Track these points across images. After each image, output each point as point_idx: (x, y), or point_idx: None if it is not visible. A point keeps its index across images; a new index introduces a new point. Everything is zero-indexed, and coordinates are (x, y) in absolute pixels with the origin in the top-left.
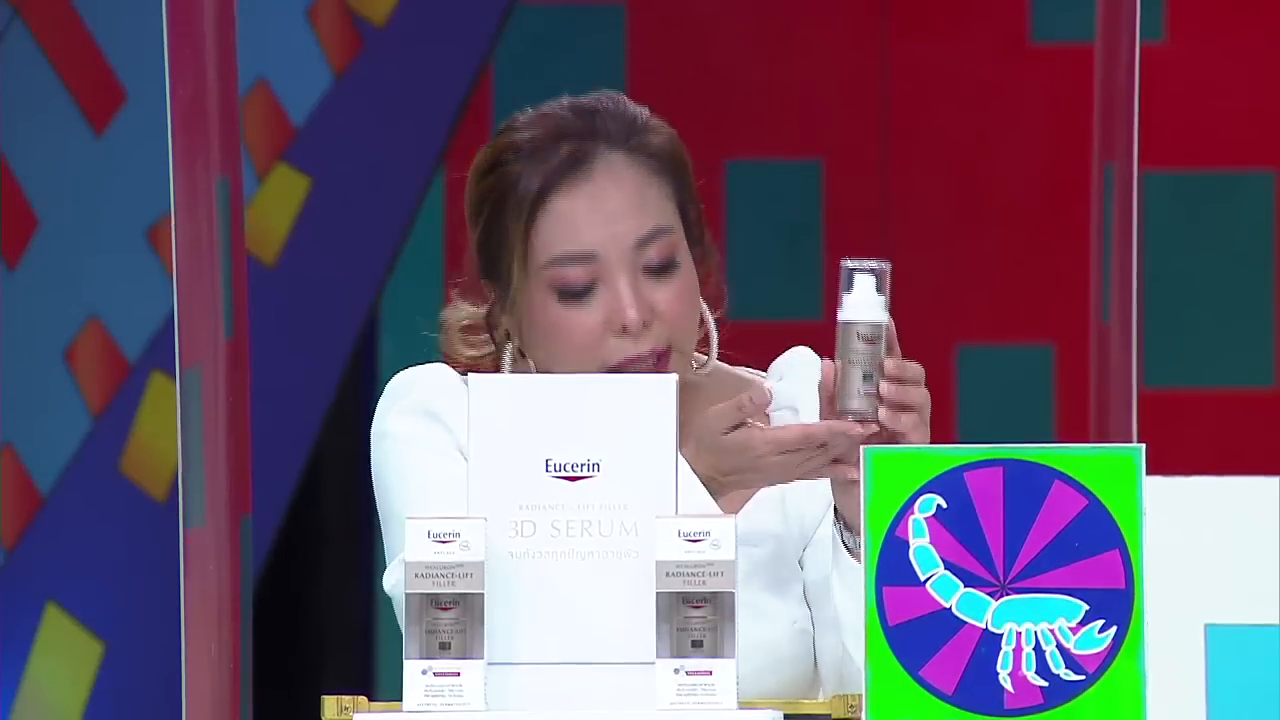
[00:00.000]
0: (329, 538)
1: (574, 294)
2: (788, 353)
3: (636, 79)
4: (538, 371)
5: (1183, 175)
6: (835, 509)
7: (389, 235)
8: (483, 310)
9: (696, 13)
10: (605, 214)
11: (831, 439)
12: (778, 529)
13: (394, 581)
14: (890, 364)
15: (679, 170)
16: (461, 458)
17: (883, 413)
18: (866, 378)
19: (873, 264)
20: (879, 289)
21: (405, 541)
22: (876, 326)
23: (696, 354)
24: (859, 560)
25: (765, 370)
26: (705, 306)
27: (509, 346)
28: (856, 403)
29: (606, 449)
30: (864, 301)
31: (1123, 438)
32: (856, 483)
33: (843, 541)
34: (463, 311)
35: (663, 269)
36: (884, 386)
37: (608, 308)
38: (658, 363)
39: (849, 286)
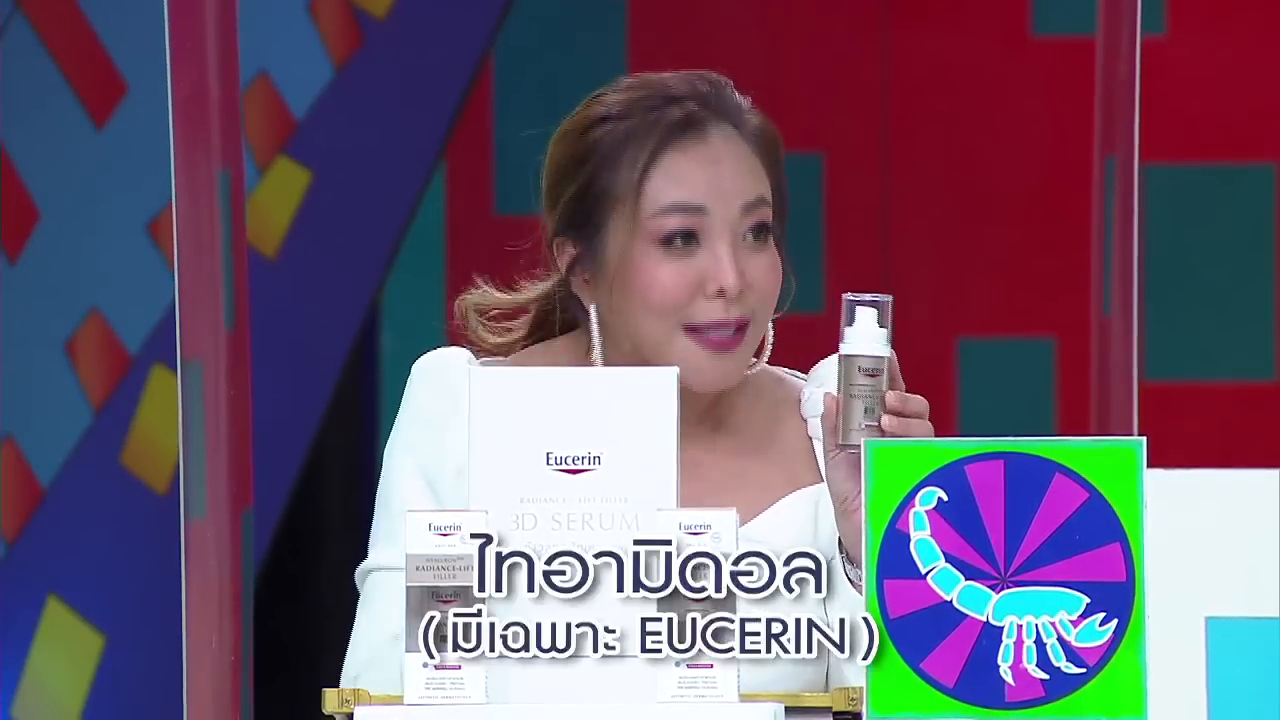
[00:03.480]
0: (330, 530)
1: (677, 244)
2: (828, 359)
3: (637, 71)
4: (602, 342)
5: (1184, 168)
6: (840, 542)
7: (390, 228)
8: (522, 295)
9: (697, 5)
10: (718, 172)
11: None
12: (806, 535)
13: (365, 572)
14: (892, 397)
15: (775, 158)
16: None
17: None
18: (868, 411)
19: (874, 297)
20: (880, 322)
21: (396, 539)
22: (878, 360)
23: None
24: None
25: (806, 373)
26: (769, 332)
27: (592, 316)
28: (857, 436)
29: (607, 442)
30: (866, 334)
31: (1124, 430)
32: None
33: (845, 574)
34: (491, 298)
35: (760, 239)
36: (886, 420)
37: (706, 268)
38: (736, 334)
39: (850, 320)
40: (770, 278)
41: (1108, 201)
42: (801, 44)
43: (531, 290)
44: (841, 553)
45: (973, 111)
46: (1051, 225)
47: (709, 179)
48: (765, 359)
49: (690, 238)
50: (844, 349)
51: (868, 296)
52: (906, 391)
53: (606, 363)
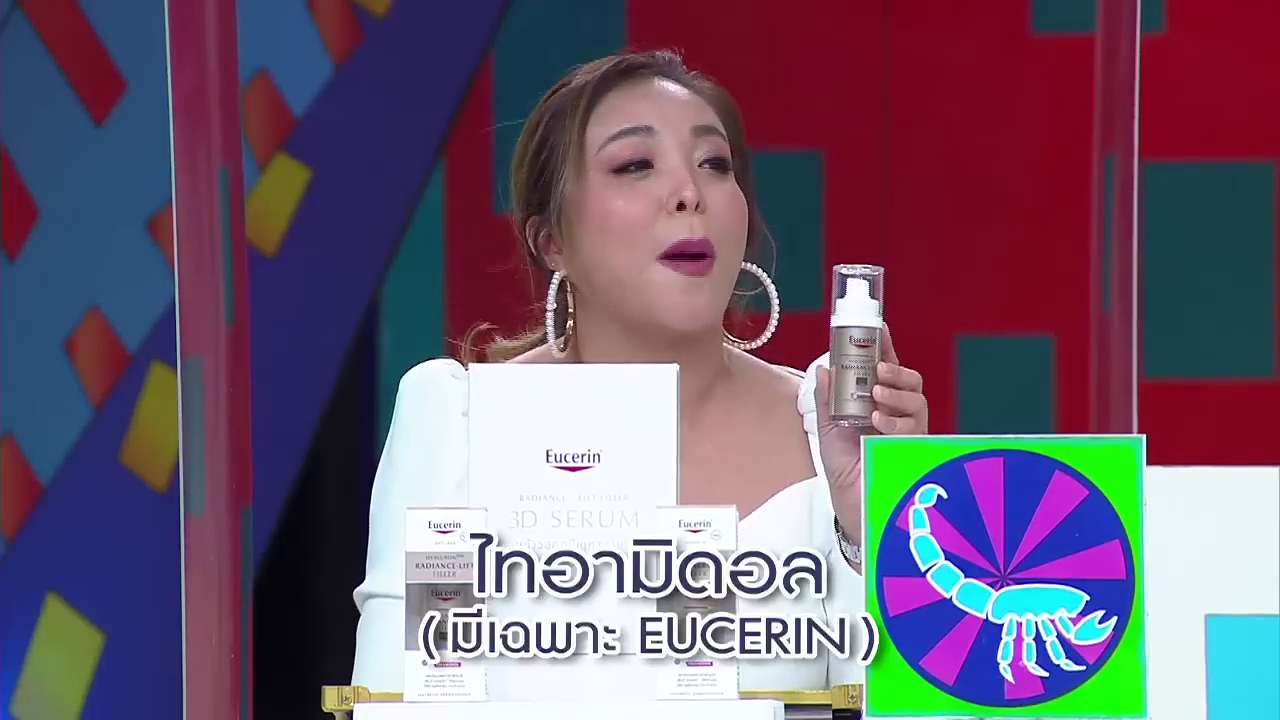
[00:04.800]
0: (329, 527)
1: (629, 169)
2: (826, 355)
3: None
4: (583, 291)
5: (1183, 165)
6: (835, 520)
7: (389, 225)
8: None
9: (697, 3)
10: (661, 103)
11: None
12: (803, 528)
13: (363, 596)
14: (884, 369)
15: (732, 119)
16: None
17: (877, 417)
18: (860, 382)
19: (865, 269)
20: (872, 294)
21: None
22: (870, 330)
23: (739, 342)
24: (859, 572)
25: (804, 370)
26: (770, 284)
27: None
28: (851, 407)
29: (607, 439)
30: (857, 306)
31: (1123, 428)
32: (856, 490)
33: (841, 551)
34: (503, 346)
35: (716, 169)
36: (878, 391)
37: (664, 185)
38: (704, 264)
39: (842, 291)
40: (732, 206)
41: (1107, 199)
42: (801, 41)
43: (537, 331)
44: (838, 530)
45: (973, 109)
46: (1051, 222)
47: (653, 105)
48: (767, 335)
49: (643, 165)
50: (835, 320)
51: (859, 268)
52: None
53: (585, 337)
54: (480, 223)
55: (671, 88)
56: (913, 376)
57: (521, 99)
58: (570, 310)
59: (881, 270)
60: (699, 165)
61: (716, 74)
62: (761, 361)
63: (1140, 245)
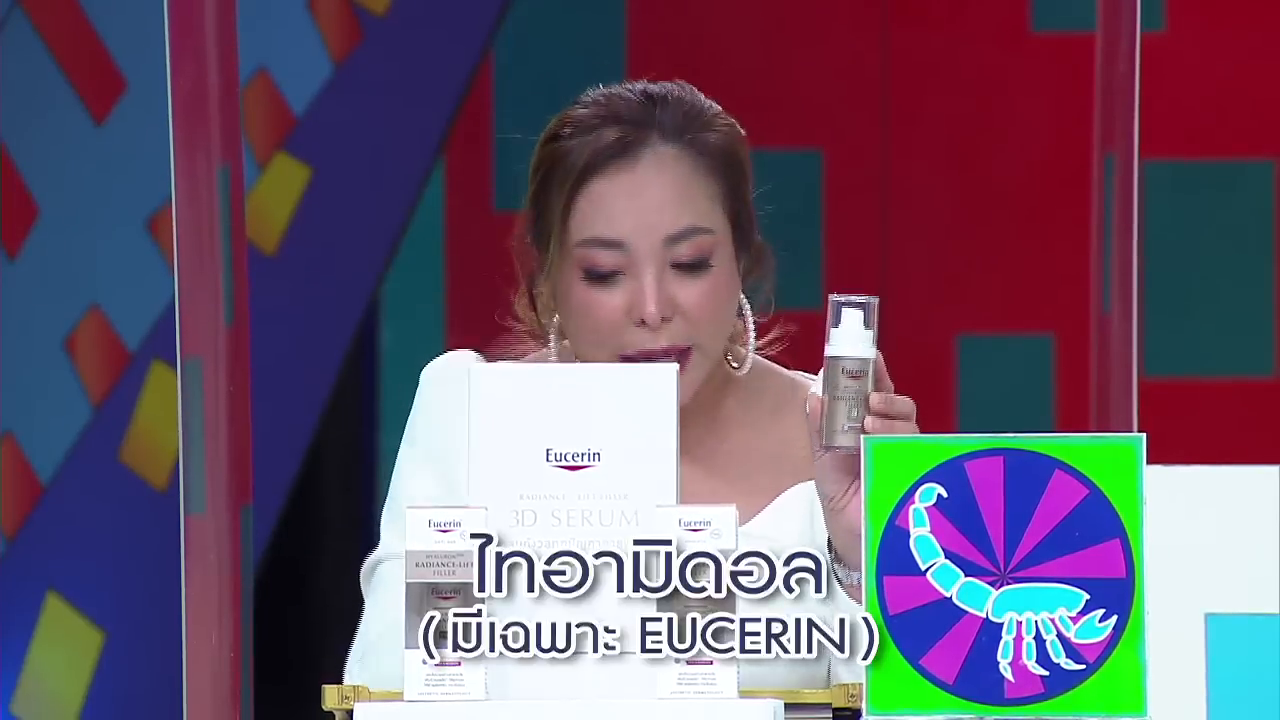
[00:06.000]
0: (329, 526)
1: (601, 278)
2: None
3: (636, 68)
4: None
5: (1183, 164)
6: (829, 542)
7: (389, 224)
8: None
9: (697, 3)
10: (642, 204)
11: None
12: (803, 535)
13: (375, 563)
14: (876, 399)
15: (733, 172)
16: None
17: None
18: (852, 413)
19: (860, 299)
20: (866, 323)
21: (399, 539)
22: (863, 361)
23: (736, 350)
24: (851, 596)
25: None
26: (747, 305)
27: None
28: (842, 439)
29: (607, 439)
30: (851, 336)
31: (1123, 427)
32: (849, 514)
33: (835, 574)
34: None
35: (694, 268)
36: (870, 422)
37: (630, 297)
38: (677, 359)
39: (836, 321)
40: (706, 303)
41: (1107, 198)
42: (801, 40)
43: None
44: (831, 552)
45: (973, 108)
46: (1051, 222)
47: (634, 210)
48: (749, 355)
49: (615, 271)
50: (829, 350)
51: (854, 298)
52: (896, 391)
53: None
54: (480, 223)
55: (663, 165)
56: (905, 405)
57: (522, 99)
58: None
59: (876, 300)
60: (673, 268)
61: (715, 73)
62: (774, 365)
63: (1140, 245)
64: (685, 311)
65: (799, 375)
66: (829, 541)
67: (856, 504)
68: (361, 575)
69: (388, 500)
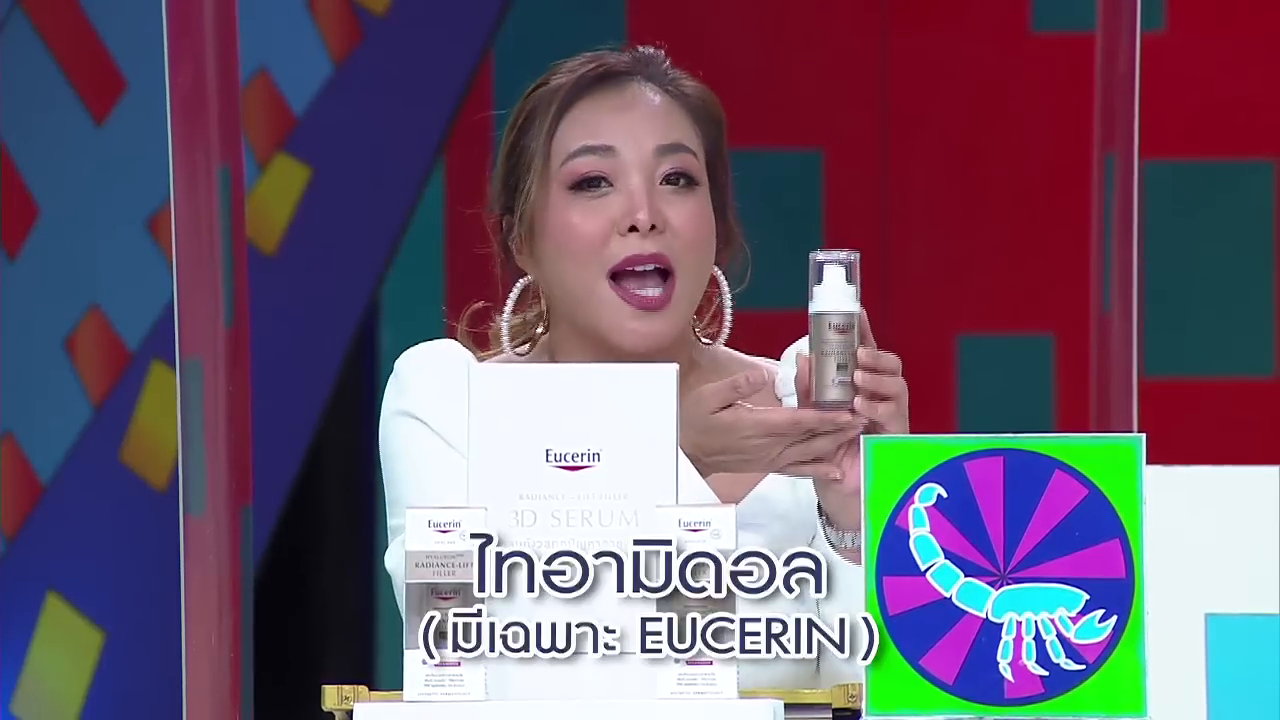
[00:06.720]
0: (329, 527)
1: (588, 187)
2: (800, 341)
3: None
4: (547, 299)
5: (1183, 164)
6: (820, 505)
7: (389, 224)
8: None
9: (697, 2)
10: (631, 117)
11: (819, 426)
12: (788, 512)
13: (395, 561)
14: (864, 354)
15: (711, 122)
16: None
17: (859, 402)
18: (841, 368)
19: (841, 255)
20: (849, 279)
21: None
22: (849, 316)
23: (705, 336)
24: (844, 558)
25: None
26: (725, 282)
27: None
28: (832, 393)
29: (607, 439)
30: (835, 292)
31: (1123, 427)
32: (838, 481)
33: (826, 536)
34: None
35: (680, 184)
36: (859, 376)
37: (620, 205)
38: (662, 280)
39: (819, 278)
40: (695, 222)
41: (1107, 198)
42: (801, 40)
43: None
44: (821, 516)
45: (972, 108)
46: (1051, 222)
47: (619, 122)
48: (723, 339)
49: (601, 181)
50: (813, 307)
51: (836, 254)
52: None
53: (555, 342)
54: (480, 222)
55: (647, 95)
56: (892, 360)
57: (522, 96)
58: (543, 313)
59: (858, 255)
60: (661, 182)
61: (715, 72)
62: (733, 351)
63: (1140, 245)
64: (674, 228)
65: (763, 360)
66: (819, 506)
67: (848, 463)
68: (387, 563)
69: (389, 473)
